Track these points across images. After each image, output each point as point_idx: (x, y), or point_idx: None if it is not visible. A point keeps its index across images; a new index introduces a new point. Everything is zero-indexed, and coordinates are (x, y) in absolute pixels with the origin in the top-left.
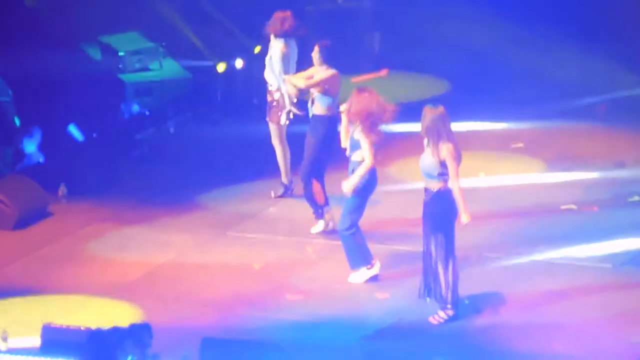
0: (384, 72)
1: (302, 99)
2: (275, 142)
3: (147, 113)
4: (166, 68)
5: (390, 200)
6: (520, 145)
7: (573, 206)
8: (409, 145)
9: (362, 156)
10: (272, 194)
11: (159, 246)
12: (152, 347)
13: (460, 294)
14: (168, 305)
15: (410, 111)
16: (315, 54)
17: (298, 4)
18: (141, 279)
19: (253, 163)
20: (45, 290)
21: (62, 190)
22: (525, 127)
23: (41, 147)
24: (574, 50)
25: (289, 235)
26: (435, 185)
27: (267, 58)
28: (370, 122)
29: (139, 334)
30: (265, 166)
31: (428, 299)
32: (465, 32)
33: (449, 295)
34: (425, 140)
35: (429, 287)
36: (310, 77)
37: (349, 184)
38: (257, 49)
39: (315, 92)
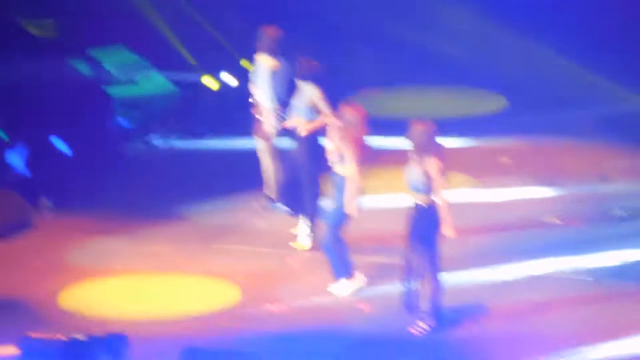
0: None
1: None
2: (263, 156)
3: (133, 126)
4: (153, 82)
5: (374, 213)
6: (506, 159)
7: (557, 220)
8: (394, 158)
9: (347, 170)
10: (257, 207)
11: (143, 258)
12: (126, 358)
13: (442, 306)
14: (150, 316)
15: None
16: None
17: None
18: (123, 290)
19: (238, 176)
20: (28, 302)
21: (46, 202)
22: (510, 141)
23: (26, 160)
24: (560, 60)
25: (272, 247)
26: (420, 199)
27: (253, 74)
28: (357, 137)
29: (114, 344)
30: (250, 179)
31: (410, 310)
32: (448, 40)
33: (431, 307)
34: (412, 154)
35: (412, 299)
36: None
37: (348, 205)
38: (245, 63)
39: (295, 107)
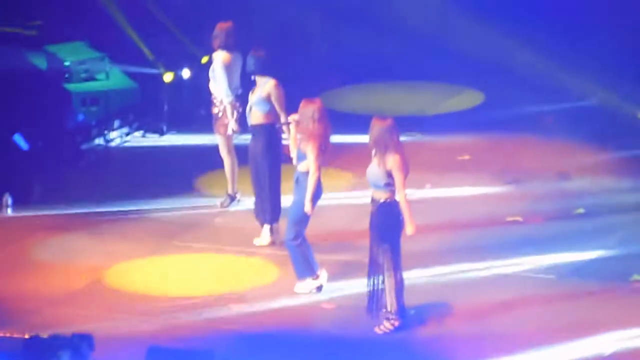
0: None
1: (244, 113)
2: (223, 153)
3: (93, 123)
4: (112, 78)
5: (337, 211)
6: (467, 157)
7: (518, 218)
8: (358, 155)
9: (307, 166)
10: (219, 204)
11: (104, 255)
12: (91, 358)
13: (405, 304)
14: (112, 314)
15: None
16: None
17: (248, 13)
18: (85, 287)
19: (199, 173)
20: None
21: (6, 199)
22: (471, 139)
23: None
24: (521, 55)
25: (235, 246)
26: (381, 196)
27: (210, 70)
28: (317, 132)
29: (77, 344)
30: (211, 176)
31: (375, 309)
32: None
33: (395, 305)
34: (373, 151)
35: (376, 298)
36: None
37: (307, 203)
38: (205, 59)
39: (252, 100)
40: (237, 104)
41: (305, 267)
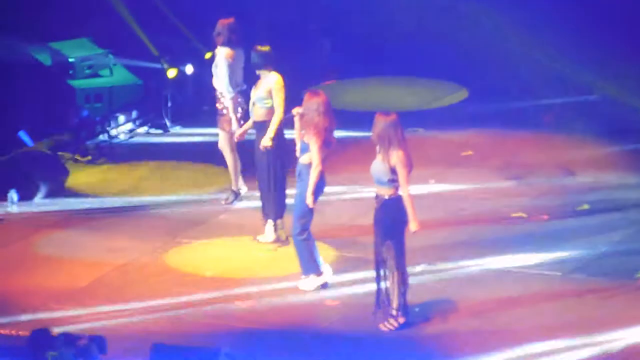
0: (331, 82)
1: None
2: (225, 149)
3: (97, 119)
4: (116, 74)
5: (342, 207)
6: (470, 153)
7: (523, 214)
8: (362, 151)
9: (310, 159)
10: (223, 201)
11: (109, 252)
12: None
13: (410, 301)
14: (117, 312)
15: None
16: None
17: (251, 11)
18: (90, 285)
19: (202, 170)
20: None
21: (11, 196)
22: (475, 134)
23: None
24: (524, 49)
25: (239, 242)
26: (385, 192)
27: (213, 66)
28: (322, 126)
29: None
30: (216, 173)
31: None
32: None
33: (399, 302)
34: (377, 147)
35: (383, 295)
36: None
37: (309, 196)
38: (208, 55)
39: (255, 96)
40: (241, 100)
41: (310, 263)
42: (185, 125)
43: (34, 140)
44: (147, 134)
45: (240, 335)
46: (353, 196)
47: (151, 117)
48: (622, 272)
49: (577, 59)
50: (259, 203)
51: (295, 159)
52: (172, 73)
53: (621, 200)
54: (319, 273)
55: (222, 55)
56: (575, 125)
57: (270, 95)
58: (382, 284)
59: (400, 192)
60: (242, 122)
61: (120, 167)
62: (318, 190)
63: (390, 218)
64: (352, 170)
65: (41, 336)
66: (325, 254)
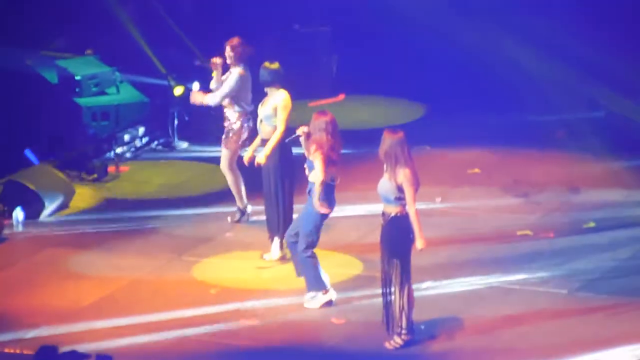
0: (340, 97)
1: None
2: (224, 168)
3: (103, 137)
4: (123, 92)
5: (349, 224)
6: (477, 170)
7: (529, 232)
8: (369, 169)
9: (315, 177)
10: (229, 219)
11: (114, 270)
12: None
13: (415, 319)
14: (122, 330)
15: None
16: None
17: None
18: (96, 303)
19: (209, 188)
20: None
21: (17, 214)
22: (481, 152)
23: None
24: (536, 63)
25: (245, 260)
26: (392, 210)
27: (211, 82)
28: (329, 145)
29: None
30: (221, 191)
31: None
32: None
33: (405, 320)
34: (384, 165)
35: (389, 312)
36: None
37: (316, 203)
38: (215, 73)
39: (262, 113)
40: (249, 118)
41: (316, 281)
42: (192, 142)
43: (39, 158)
44: (154, 151)
45: (245, 354)
46: (360, 214)
47: (158, 134)
48: (628, 290)
49: (583, 75)
50: (265, 220)
51: (304, 176)
52: (178, 90)
53: (628, 217)
54: (324, 291)
55: (235, 73)
56: (581, 143)
57: (275, 113)
58: (389, 301)
59: (407, 210)
60: (247, 142)
61: (126, 184)
62: (329, 206)
63: (396, 236)
64: (359, 188)
65: (47, 354)
66: (331, 272)
